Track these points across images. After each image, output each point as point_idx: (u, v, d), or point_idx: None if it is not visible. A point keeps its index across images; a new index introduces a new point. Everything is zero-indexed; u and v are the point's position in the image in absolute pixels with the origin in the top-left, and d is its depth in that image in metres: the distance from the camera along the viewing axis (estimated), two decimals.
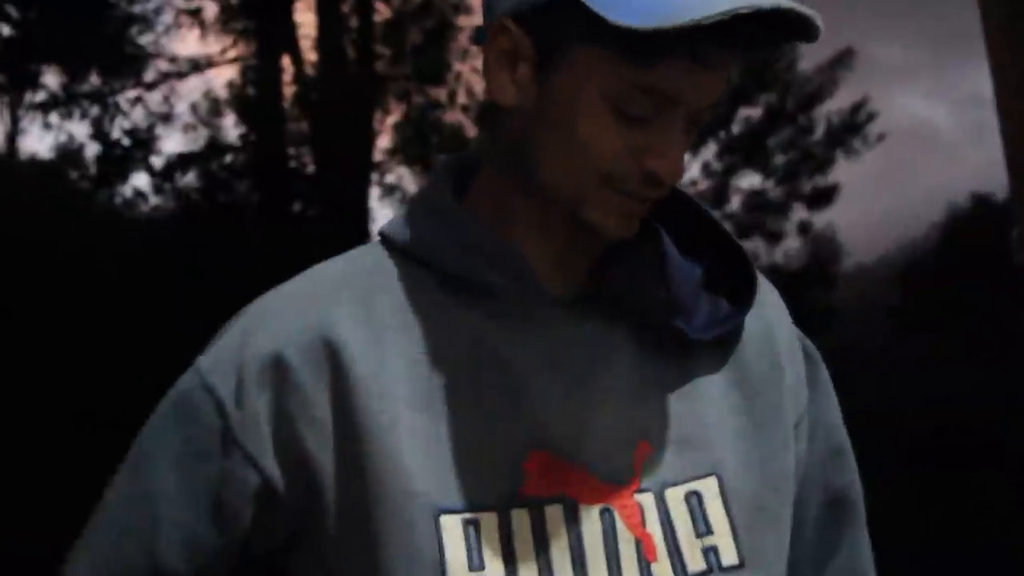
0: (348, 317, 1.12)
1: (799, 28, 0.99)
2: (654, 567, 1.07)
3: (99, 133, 11.33)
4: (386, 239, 1.18)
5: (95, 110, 11.36)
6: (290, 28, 12.13)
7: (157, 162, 11.65)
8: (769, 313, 1.25)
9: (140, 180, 12.02)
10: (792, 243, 16.78)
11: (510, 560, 1.04)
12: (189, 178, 11.78)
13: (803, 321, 1.31)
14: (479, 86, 11.70)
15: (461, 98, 12.76)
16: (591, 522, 1.07)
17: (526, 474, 1.07)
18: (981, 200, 16.22)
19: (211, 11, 12.41)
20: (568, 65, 1.05)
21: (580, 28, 1.00)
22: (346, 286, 1.14)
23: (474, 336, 1.11)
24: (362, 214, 11.89)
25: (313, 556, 1.11)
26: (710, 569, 1.09)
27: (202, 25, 12.33)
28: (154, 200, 11.61)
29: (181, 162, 11.72)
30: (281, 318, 1.13)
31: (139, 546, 1.11)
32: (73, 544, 1.16)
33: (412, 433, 1.07)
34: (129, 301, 8.03)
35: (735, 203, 16.87)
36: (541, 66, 1.06)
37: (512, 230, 1.15)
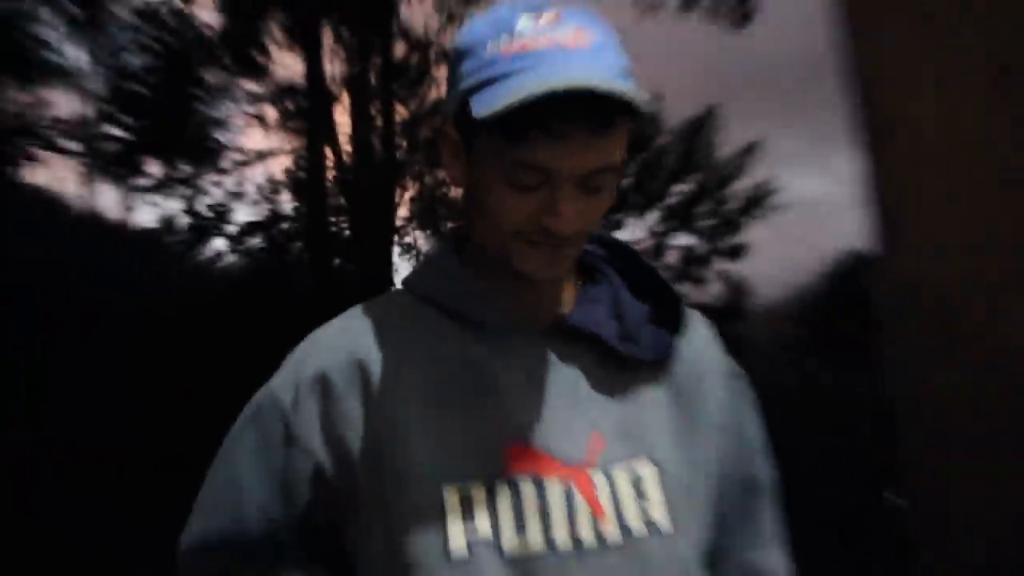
0: (375, 344, 1.11)
1: (630, 103, 0.95)
2: (602, 526, 1.05)
3: (189, 208, 11.40)
4: (407, 287, 1.18)
5: (186, 191, 11.42)
6: (331, 127, 12.15)
7: (231, 230, 11.73)
8: (699, 343, 1.21)
9: (219, 243, 11.94)
10: (714, 287, 16.94)
11: (495, 520, 1.03)
12: (255, 241, 11.84)
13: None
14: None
15: None
16: (555, 493, 1.05)
17: (506, 458, 1.05)
18: (854, 254, 16.10)
19: (271, 115, 12.52)
20: (478, 153, 1.04)
21: (477, 125, 0.99)
22: (376, 321, 1.13)
23: (469, 357, 1.10)
24: (387, 268, 11.73)
25: (356, 522, 1.10)
26: (649, 533, 1.07)
27: (264, 125, 12.47)
28: (229, 259, 11.70)
29: (249, 229, 11.81)
30: (326, 346, 1.12)
31: (229, 514, 1.12)
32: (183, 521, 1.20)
33: (421, 428, 1.06)
34: (211, 336, 8.01)
35: (671, 257, 17.14)
36: (467, 155, 1.06)
37: (495, 278, 1.13)
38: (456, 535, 1.02)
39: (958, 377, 2.72)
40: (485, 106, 0.95)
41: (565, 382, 1.10)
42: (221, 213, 11.75)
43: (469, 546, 1.01)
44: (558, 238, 1.02)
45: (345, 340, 1.11)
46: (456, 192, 13.00)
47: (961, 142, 2.65)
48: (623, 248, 1.23)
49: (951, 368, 2.76)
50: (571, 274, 1.17)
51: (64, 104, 11.99)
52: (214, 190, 11.88)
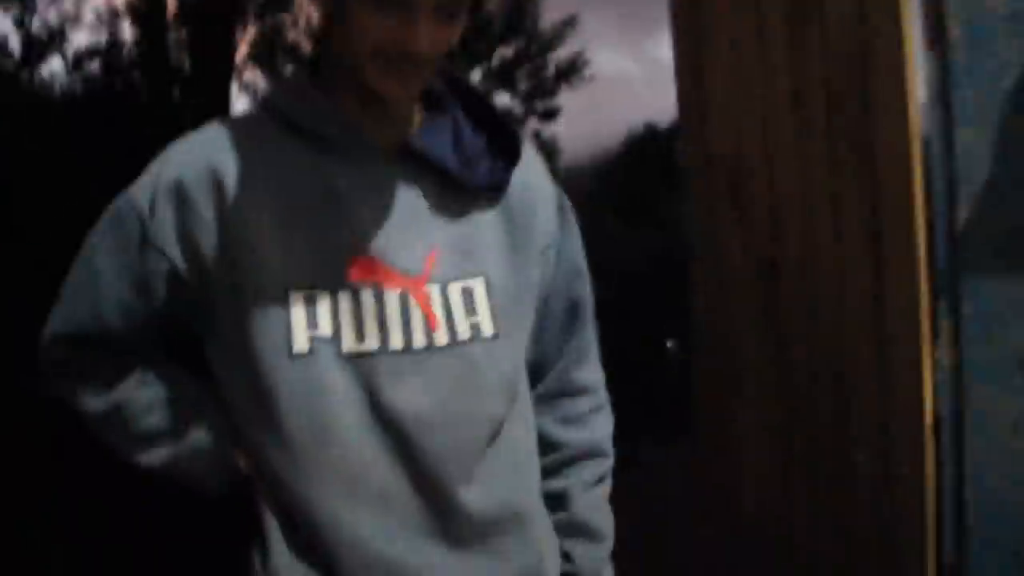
0: (231, 155, 1.08)
1: None
2: (435, 333, 1.07)
3: (21, 25, 10.44)
4: (263, 106, 1.15)
5: (16, 8, 10.45)
6: None
7: (69, 54, 10.81)
8: (531, 174, 1.22)
9: (55, 66, 11.03)
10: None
11: (336, 322, 1.04)
12: (94, 67, 11.06)
13: None
14: (313, 14, 11.32)
15: (300, 22, 12.48)
16: (392, 301, 1.06)
17: (349, 268, 1.05)
18: (650, 126, 17.03)
19: None
20: None
21: None
22: (232, 136, 1.11)
23: (319, 173, 1.08)
24: (224, 105, 11.15)
25: (209, 322, 1.10)
26: (474, 338, 1.09)
27: None
28: (65, 82, 10.81)
29: (88, 55, 10.99)
30: (183, 155, 1.10)
31: (88, 309, 1.12)
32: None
33: (271, 236, 1.05)
34: (44, 160, 7.25)
35: None
36: None
37: (347, 100, 1.11)
38: (299, 333, 1.03)
39: (744, 235, 3.03)
40: None
41: (408, 202, 1.10)
42: (57, 34, 10.85)
43: (310, 343, 1.03)
44: (413, 59, 1.02)
45: (202, 151, 1.09)
46: (293, 36, 12.69)
47: (748, 39, 2.78)
48: (466, 85, 1.21)
49: (738, 227, 3.06)
50: (418, 102, 1.16)
51: None
52: (48, 10, 10.94)
